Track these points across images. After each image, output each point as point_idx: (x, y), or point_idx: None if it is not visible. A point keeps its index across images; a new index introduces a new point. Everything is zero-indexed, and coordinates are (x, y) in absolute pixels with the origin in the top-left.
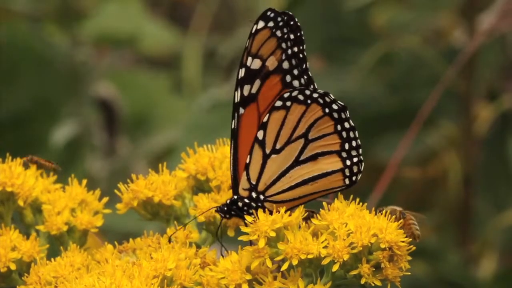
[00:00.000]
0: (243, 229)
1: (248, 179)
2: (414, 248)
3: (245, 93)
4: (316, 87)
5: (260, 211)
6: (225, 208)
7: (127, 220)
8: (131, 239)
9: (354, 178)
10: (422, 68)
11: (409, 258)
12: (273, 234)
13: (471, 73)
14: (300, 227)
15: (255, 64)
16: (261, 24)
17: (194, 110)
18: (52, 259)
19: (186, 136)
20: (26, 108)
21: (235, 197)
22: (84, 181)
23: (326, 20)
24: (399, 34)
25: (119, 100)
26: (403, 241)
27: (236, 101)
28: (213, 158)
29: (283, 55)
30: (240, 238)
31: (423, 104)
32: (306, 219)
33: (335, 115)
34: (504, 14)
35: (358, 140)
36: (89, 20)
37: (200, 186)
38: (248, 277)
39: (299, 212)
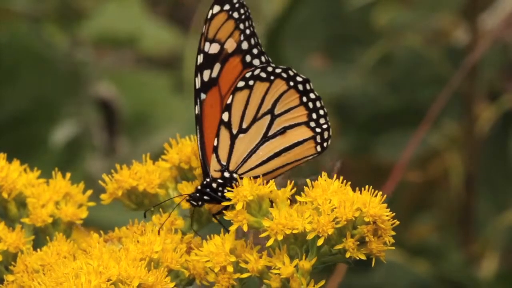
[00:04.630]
0: (227, 194)
1: (218, 161)
2: (398, 222)
3: (205, 78)
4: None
5: (245, 178)
6: (197, 195)
7: (122, 219)
8: (116, 228)
9: (325, 144)
10: (423, 67)
11: (393, 233)
12: (251, 197)
13: (473, 74)
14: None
15: (213, 48)
16: (216, 8)
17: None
18: (38, 250)
19: (187, 134)
20: (26, 108)
21: (208, 180)
22: (81, 184)
23: (328, 18)
24: (401, 34)
25: (119, 100)
26: (387, 215)
27: (197, 87)
28: (196, 148)
29: (242, 35)
30: (224, 204)
31: (424, 104)
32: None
33: (300, 87)
34: (507, 24)
35: (325, 109)
36: (89, 20)
37: (184, 176)
38: (233, 259)
39: (289, 186)
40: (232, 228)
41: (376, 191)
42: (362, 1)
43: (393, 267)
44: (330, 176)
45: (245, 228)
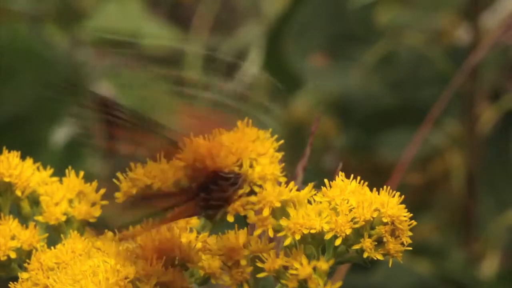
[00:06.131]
0: (250, 198)
1: None
2: (415, 223)
3: None
4: None
5: (268, 183)
6: None
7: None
8: (130, 227)
9: None
10: (425, 66)
11: (410, 233)
12: (278, 204)
13: (475, 73)
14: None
15: None
16: None
17: None
18: (52, 247)
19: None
20: (26, 108)
21: None
22: (95, 183)
23: (330, 17)
24: (402, 33)
25: (119, 100)
26: (404, 216)
27: None
28: (210, 146)
29: None
30: (247, 207)
31: (426, 103)
32: None
33: None
34: (507, 28)
35: None
36: (89, 20)
37: None
38: (246, 252)
39: (309, 188)
40: (257, 233)
41: (395, 192)
42: (364, 0)
43: (394, 266)
44: (332, 177)
45: (270, 233)
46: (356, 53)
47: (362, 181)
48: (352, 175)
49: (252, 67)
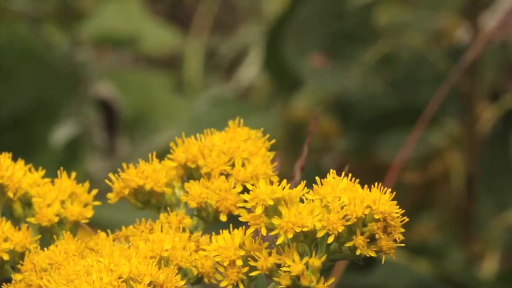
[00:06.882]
0: (243, 196)
1: None
2: (407, 219)
3: None
4: None
5: (261, 181)
6: None
7: (125, 220)
8: (123, 227)
9: None
10: (425, 67)
11: (403, 230)
12: (271, 202)
13: (474, 73)
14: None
15: None
16: None
17: (195, 109)
18: (45, 249)
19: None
20: (26, 108)
21: None
22: (87, 184)
23: (330, 17)
24: (402, 33)
25: (119, 100)
26: (396, 212)
27: None
28: (202, 146)
29: None
30: (239, 205)
31: (426, 103)
32: None
33: None
34: (502, 25)
35: None
36: (89, 20)
37: (190, 175)
38: (242, 253)
39: (301, 187)
40: (250, 231)
41: (386, 189)
42: (363, 0)
43: (393, 266)
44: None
45: (263, 232)
46: (356, 53)
47: (358, 181)
48: (350, 175)
49: (252, 67)
